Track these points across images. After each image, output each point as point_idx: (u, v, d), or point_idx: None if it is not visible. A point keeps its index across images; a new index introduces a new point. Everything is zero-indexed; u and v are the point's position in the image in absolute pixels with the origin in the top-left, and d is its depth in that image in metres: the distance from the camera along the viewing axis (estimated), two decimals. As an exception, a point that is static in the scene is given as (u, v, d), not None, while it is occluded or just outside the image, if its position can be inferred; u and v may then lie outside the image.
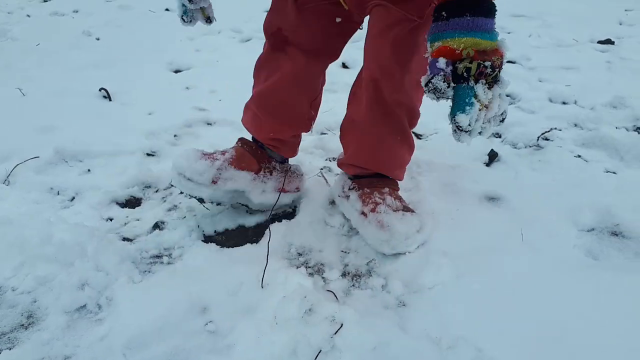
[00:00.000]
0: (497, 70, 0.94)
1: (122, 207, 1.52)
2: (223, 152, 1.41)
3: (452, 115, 0.94)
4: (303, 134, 1.55)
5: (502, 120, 1.00)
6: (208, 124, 2.08)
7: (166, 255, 1.29)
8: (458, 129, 0.94)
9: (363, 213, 1.34)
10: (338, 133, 1.46)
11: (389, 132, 1.34)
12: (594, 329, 1.05)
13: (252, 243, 1.37)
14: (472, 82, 0.92)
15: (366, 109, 1.32)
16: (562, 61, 2.73)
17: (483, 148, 1.80)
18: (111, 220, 1.45)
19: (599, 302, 1.13)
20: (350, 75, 2.53)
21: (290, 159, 1.58)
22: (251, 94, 1.46)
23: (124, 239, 1.37)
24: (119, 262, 1.24)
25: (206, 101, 2.27)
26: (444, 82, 0.92)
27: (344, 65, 2.70)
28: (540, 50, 2.93)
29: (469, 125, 0.93)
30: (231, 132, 1.93)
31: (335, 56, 1.44)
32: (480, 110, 0.93)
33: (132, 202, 1.55)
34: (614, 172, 1.68)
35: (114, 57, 2.79)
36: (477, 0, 0.92)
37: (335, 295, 1.15)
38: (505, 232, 1.38)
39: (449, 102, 0.96)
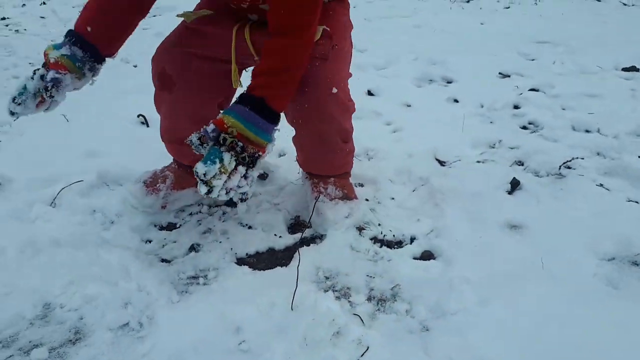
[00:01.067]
0: (248, 156, 1.19)
1: (160, 230, 1.62)
2: (163, 179, 1.66)
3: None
4: None
5: (242, 200, 1.22)
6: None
7: (202, 277, 1.38)
8: (196, 176, 1.15)
9: (312, 199, 1.64)
10: (362, 159, 1.55)
11: (326, 151, 1.57)
12: (612, 355, 1.08)
13: (282, 266, 1.45)
14: (222, 148, 1.16)
15: (305, 133, 1.54)
16: (585, 88, 2.75)
17: (505, 176, 1.84)
18: (150, 242, 1.55)
19: (619, 331, 1.16)
20: (376, 102, 2.63)
21: None
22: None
23: (163, 260, 1.46)
24: (159, 283, 1.33)
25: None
26: (198, 139, 1.17)
27: (370, 93, 2.78)
28: (564, 77, 2.97)
29: (204, 175, 1.13)
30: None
31: (223, 94, 1.57)
32: (221, 172, 1.15)
33: (170, 225, 1.64)
34: (636, 202, 1.71)
35: (150, 84, 2.92)
36: (262, 105, 1.21)
37: (362, 319, 1.21)
38: (527, 259, 1.42)
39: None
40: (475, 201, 1.71)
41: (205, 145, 1.18)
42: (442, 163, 2.04)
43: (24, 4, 5.25)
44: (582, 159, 1.98)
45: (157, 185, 1.64)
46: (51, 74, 1.28)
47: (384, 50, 3.43)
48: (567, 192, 1.77)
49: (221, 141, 1.17)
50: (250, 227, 1.62)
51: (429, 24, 4.25)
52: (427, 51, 3.41)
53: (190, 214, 1.70)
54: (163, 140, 1.68)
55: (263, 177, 1.90)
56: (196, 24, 1.48)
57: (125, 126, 2.36)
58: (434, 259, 1.48)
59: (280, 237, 1.58)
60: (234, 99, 1.30)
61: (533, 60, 3.34)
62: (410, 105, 2.62)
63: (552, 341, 1.13)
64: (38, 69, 1.33)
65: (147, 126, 2.37)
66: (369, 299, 1.31)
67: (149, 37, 4.12)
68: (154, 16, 4.87)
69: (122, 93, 2.80)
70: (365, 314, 1.24)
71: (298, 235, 1.58)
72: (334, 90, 1.39)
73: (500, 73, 3.08)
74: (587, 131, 2.28)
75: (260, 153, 1.22)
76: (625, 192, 1.77)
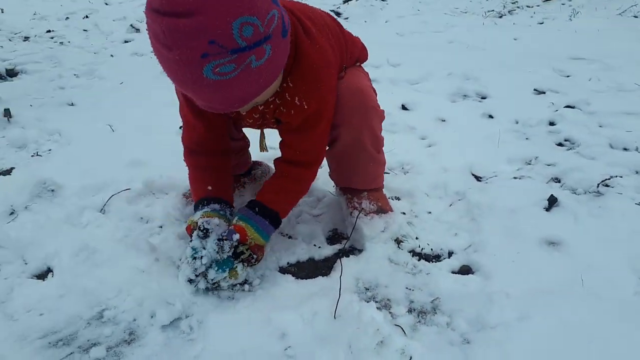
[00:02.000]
0: (256, 261, 1.43)
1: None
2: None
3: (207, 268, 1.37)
4: None
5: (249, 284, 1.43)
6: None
7: (247, 284, 1.43)
8: (205, 278, 1.36)
9: (347, 214, 1.74)
10: (398, 173, 1.59)
11: (359, 160, 1.65)
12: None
13: (322, 275, 1.49)
14: (236, 261, 1.38)
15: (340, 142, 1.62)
16: (622, 106, 2.73)
17: (542, 193, 1.85)
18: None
19: (661, 351, 1.16)
20: (410, 117, 2.66)
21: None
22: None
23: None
24: (207, 289, 1.38)
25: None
26: (218, 241, 1.40)
27: (404, 107, 2.82)
28: (601, 94, 2.95)
29: (212, 280, 1.36)
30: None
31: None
32: (232, 277, 1.37)
33: (213, 233, 1.70)
34: (676, 221, 1.70)
35: (190, 96, 3.03)
36: (277, 218, 1.48)
37: (403, 330, 1.25)
38: (566, 276, 1.43)
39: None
40: (512, 217, 1.73)
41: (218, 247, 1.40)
42: (478, 178, 2.06)
43: (67, 17, 5.47)
44: (621, 177, 1.98)
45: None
46: (203, 223, 1.42)
47: (418, 65, 3.46)
48: (605, 210, 1.77)
49: (237, 252, 1.39)
50: (290, 237, 1.67)
51: (462, 40, 4.28)
52: (461, 66, 3.43)
53: (233, 223, 1.76)
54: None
55: None
56: None
57: (168, 137, 2.44)
58: (472, 273, 1.50)
59: (319, 247, 1.62)
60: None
61: (568, 76, 3.33)
62: (444, 120, 2.65)
63: (592, 358, 1.14)
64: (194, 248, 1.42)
65: (189, 137, 2.46)
66: (410, 310, 1.34)
67: (187, 50, 4.26)
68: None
69: (164, 105, 2.89)
70: (407, 325, 1.27)
71: (337, 246, 1.62)
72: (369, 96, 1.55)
73: (535, 89, 3.09)
74: (626, 149, 2.27)
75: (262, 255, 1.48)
76: (665, 211, 1.76)
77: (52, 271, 1.51)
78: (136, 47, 4.32)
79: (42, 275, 1.50)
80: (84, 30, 5.00)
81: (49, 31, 4.90)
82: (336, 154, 1.65)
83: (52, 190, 1.92)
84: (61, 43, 4.50)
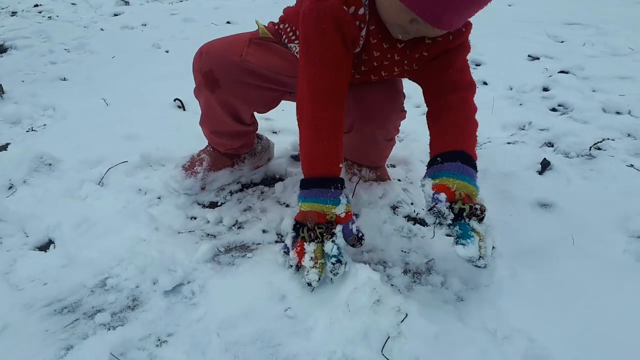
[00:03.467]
0: (483, 213, 1.21)
1: (203, 208, 1.70)
2: (200, 162, 1.74)
3: (457, 244, 1.17)
4: None
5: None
6: (273, 132, 2.25)
7: (246, 250, 1.46)
8: (468, 260, 1.17)
9: (346, 180, 1.73)
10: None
11: (370, 149, 1.65)
12: (642, 327, 1.14)
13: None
14: (466, 220, 1.18)
15: (356, 135, 1.56)
16: (617, 70, 2.74)
17: (535, 157, 1.88)
18: (195, 219, 1.63)
19: (647, 304, 1.21)
20: (405, 85, 2.66)
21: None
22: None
23: (209, 235, 1.55)
24: (207, 255, 1.41)
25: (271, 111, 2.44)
26: (445, 209, 1.16)
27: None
28: (595, 59, 2.96)
29: (471, 257, 1.16)
30: (295, 139, 2.09)
31: (264, 109, 1.65)
32: (480, 240, 1.18)
33: (212, 204, 1.73)
34: (667, 182, 1.73)
35: (183, 69, 2.98)
36: (466, 155, 1.22)
37: (399, 290, 1.28)
38: (557, 236, 1.47)
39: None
40: (506, 181, 1.76)
41: (446, 217, 1.17)
42: (472, 144, 2.07)
43: (55, -9, 5.37)
44: (613, 140, 2.00)
45: (195, 168, 1.72)
46: (352, 228, 1.26)
47: (411, 33, 3.44)
48: (597, 173, 1.80)
49: (459, 212, 1.18)
50: (287, 205, 1.69)
51: (456, 7, 4.24)
52: (455, 34, 3.41)
53: (231, 192, 1.78)
54: (201, 125, 1.72)
55: (298, 158, 1.97)
56: (260, 54, 1.45)
57: (162, 110, 2.45)
58: (466, 235, 1.53)
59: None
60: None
61: (562, 42, 3.32)
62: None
63: (581, 311, 1.19)
64: (322, 239, 1.27)
65: (184, 110, 2.46)
66: (405, 272, 1.38)
67: (178, 22, 4.21)
68: (181, 1, 4.96)
69: (157, 78, 2.89)
70: (402, 285, 1.31)
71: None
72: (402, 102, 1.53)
73: (529, 55, 3.08)
74: (618, 113, 2.28)
75: (484, 208, 1.23)
76: (656, 172, 1.79)
77: (53, 243, 1.53)
78: (126, 20, 4.27)
79: (44, 247, 1.53)
80: (72, 3, 4.92)
81: (36, 5, 4.82)
82: (348, 139, 1.57)
83: (50, 165, 1.93)
84: (50, 17, 4.43)
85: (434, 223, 1.18)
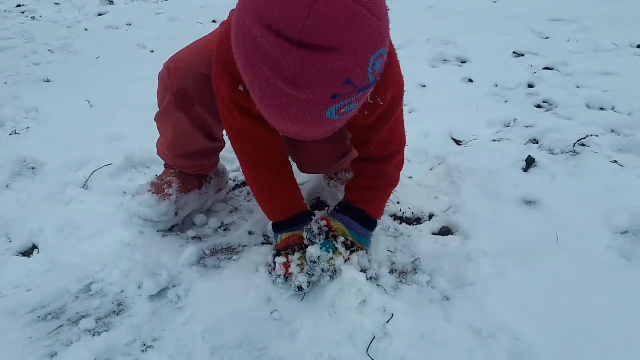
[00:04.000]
0: (355, 249, 1.36)
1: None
2: (169, 184, 1.55)
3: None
4: None
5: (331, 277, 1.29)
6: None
7: (232, 252, 1.45)
8: (308, 258, 1.28)
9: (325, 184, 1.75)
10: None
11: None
12: (625, 322, 1.15)
13: (306, 242, 1.52)
14: (335, 242, 1.33)
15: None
16: (600, 66, 2.76)
17: (520, 154, 1.89)
18: (183, 223, 1.62)
19: (630, 299, 1.22)
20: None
21: None
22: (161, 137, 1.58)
23: (194, 238, 1.54)
24: (193, 258, 1.40)
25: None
26: (317, 229, 1.33)
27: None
28: (579, 55, 2.98)
29: (318, 258, 1.27)
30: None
31: None
32: (338, 257, 1.30)
33: (197, 205, 1.71)
34: (649, 177, 1.75)
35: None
36: (363, 216, 1.38)
37: (385, 290, 1.29)
38: (542, 233, 1.48)
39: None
40: (491, 179, 1.77)
41: (317, 236, 1.33)
42: (458, 142, 2.08)
43: (38, -9, 5.31)
44: (597, 136, 2.02)
45: (165, 191, 1.54)
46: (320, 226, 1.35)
47: (397, 31, 3.43)
48: (581, 169, 1.81)
49: (333, 238, 1.35)
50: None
51: (442, 4, 4.25)
52: (441, 31, 3.42)
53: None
54: (164, 155, 1.60)
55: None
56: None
57: (147, 110, 2.41)
58: (452, 234, 1.54)
59: (303, 215, 1.64)
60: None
61: (547, 38, 3.34)
62: (425, 86, 2.66)
63: (566, 308, 1.20)
64: (304, 249, 1.34)
65: (169, 110, 2.44)
66: (391, 271, 1.38)
67: (163, 21, 4.18)
68: (166, 0, 4.92)
69: (141, 78, 2.87)
70: (389, 285, 1.31)
71: (320, 214, 1.65)
72: None
73: (514, 52, 3.10)
74: (602, 109, 2.30)
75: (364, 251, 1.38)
76: (639, 167, 1.80)
77: (37, 248, 1.52)
78: (111, 19, 4.23)
79: (27, 252, 1.51)
80: (56, 3, 4.86)
81: (19, 5, 4.76)
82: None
83: (33, 168, 1.91)
84: (33, 18, 4.38)
85: (305, 238, 1.33)
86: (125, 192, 1.77)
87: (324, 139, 1.20)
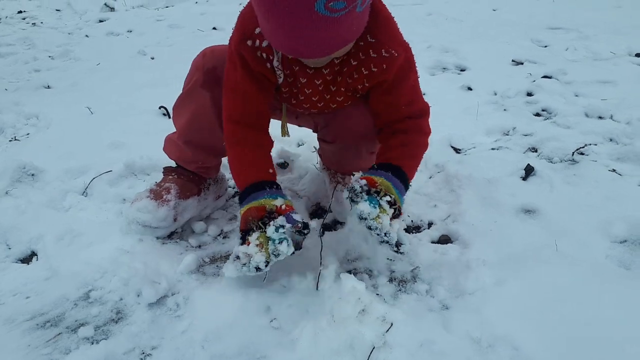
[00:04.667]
0: (396, 208, 1.30)
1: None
2: (167, 190, 1.56)
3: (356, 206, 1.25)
4: None
5: (398, 249, 1.28)
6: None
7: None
8: (359, 216, 1.24)
9: (330, 188, 1.72)
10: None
11: (354, 160, 1.62)
12: (625, 331, 1.15)
13: (305, 249, 1.52)
14: (379, 197, 1.27)
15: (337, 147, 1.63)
16: (598, 75, 2.78)
17: (519, 163, 1.89)
18: (182, 230, 1.62)
19: (630, 307, 1.22)
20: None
21: None
22: (175, 129, 1.61)
23: (193, 247, 1.54)
24: (192, 266, 1.41)
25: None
26: (360, 187, 1.27)
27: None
28: (577, 64, 2.99)
29: (369, 214, 1.23)
30: (280, 146, 2.08)
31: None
32: (385, 215, 1.25)
33: (197, 212, 1.72)
34: (648, 186, 1.76)
35: (168, 76, 3.00)
36: (399, 171, 1.34)
37: (384, 299, 1.29)
38: (541, 242, 1.48)
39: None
40: (490, 187, 1.77)
41: (364, 194, 1.28)
42: (457, 150, 2.09)
43: (39, -3, 5.34)
44: (595, 145, 2.03)
45: (164, 197, 1.55)
46: (295, 217, 1.27)
47: (397, 38, 3.46)
48: (580, 178, 1.81)
49: (374, 193, 1.29)
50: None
51: (441, 12, 4.27)
52: (440, 39, 3.44)
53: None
54: (171, 145, 1.64)
55: (283, 165, 1.97)
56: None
57: (147, 117, 2.44)
58: (452, 242, 1.54)
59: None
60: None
61: (546, 47, 3.36)
62: (424, 94, 2.65)
63: (565, 318, 1.20)
64: (265, 226, 1.26)
65: (169, 117, 2.44)
66: (391, 280, 1.38)
67: (164, 28, 4.19)
68: (167, 7, 4.94)
69: (142, 85, 2.88)
70: (388, 294, 1.31)
71: (320, 221, 1.65)
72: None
73: (513, 60, 3.11)
74: (600, 117, 2.31)
75: (399, 208, 1.32)
76: (637, 176, 1.81)
77: (36, 255, 1.52)
78: (111, 26, 4.25)
79: (26, 259, 1.51)
80: (57, 10, 4.89)
81: (20, 12, 4.78)
82: (330, 149, 1.65)
83: (33, 175, 1.91)
84: (34, 24, 4.40)
85: (347, 197, 1.29)
86: (124, 199, 1.77)
87: (355, 107, 1.44)
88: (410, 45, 1.37)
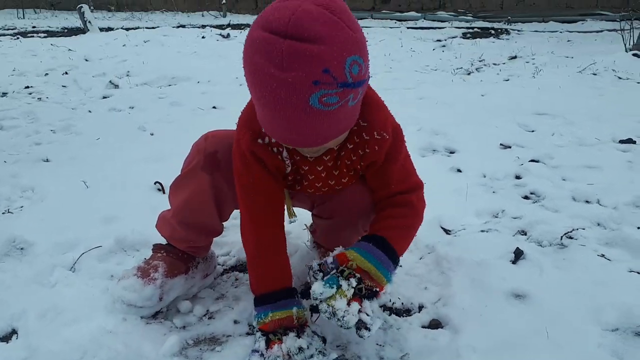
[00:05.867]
0: (365, 288, 1.28)
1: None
2: (155, 268, 1.57)
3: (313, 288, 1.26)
4: None
5: (367, 329, 1.26)
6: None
7: (215, 343, 1.42)
8: (312, 296, 1.26)
9: None
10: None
11: (350, 236, 1.61)
12: None
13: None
14: (340, 278, 1.27)
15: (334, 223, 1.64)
16: (584, 160, 2.86)
17: (509, 246, 1.91)
18: (167, 309, 1.59)
19: (623, 403, 1.18)
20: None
21: None
22: (170, 208, 1.64)
23: (178, 327, 1.50)
24: (175, 348, 1.37)
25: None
26: (318, 265, 1.31)
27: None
28: (563, 148, 3.08)
29: (321, 294, 1.24)
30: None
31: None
32: (340, 297, 1.24)
33: (184, 291, 1.69)
34: (637, 272, 1.76)
35: (166, 152, 3.05)
36: (384, 242, 1.34)
37: (372, 387, 1.25)
38: (532, 329, 1.46)
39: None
40: (480, 270, 1.77)
41: (321, 273, 1.30)
42: (447, 231, 2.11)
43: (46, 73, 5.54)
44: (583, 229, 2.05)
45: (151, 275, 1.55)
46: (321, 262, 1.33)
47: (390, 120, 3.58)
48: (569, 262, 1.82)
49: (339, 273, 1.29)
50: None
51: (432, 96, 4.45)
52: (430, 122, 3.56)
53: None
54: (164, 223, 1.66)
55: None
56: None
57: (142, 193, 2.46)
58: (442, 327, 1.52)
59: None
60: None
61: (532, 131, 3.48)
62: (415, 174, 2.72)
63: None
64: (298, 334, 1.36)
65: (164, 193, 2.47)
66: (379, 367, 1.34)
67: (165, 106, 4.33)
68: (169, 86, 5.13)
69: (139, 160, 2.93)
70: (376, 382, 1.27)
71: (309, 302, 1.63)
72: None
73: (501, 144, 3.21)
74: (587, 202, 2.36)
75: (377, 289, 1.31)
76: (626, 262, 1.82)
77: (16, 333, 1.48)
78: (114, 102, 4.38)
79: (6, 338, 1.48)
80: (63, 86, 5.06)
81: (27, 87, 4.94)
82: (325, 225, 1.68)
83: (22, 249, 1.91)
84: (39, 99, 4.54)
85: (307, 274, 1.31)
86: (112, 276, 1.75)
87: (354, 185, 1.48)
88: (402, 127, 1.43)
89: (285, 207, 1.63)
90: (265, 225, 1.43)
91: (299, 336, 1.34)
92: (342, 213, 1.57)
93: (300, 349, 1.30)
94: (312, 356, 1.30)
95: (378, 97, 1.37)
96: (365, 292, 1.28)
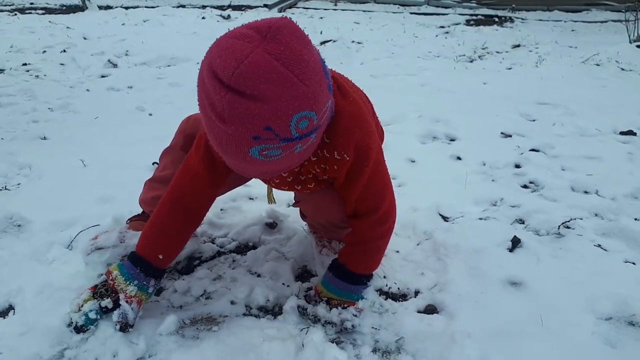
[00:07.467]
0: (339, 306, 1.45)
1: (173, 274, 1.67)
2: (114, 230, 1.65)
3: None
4: None
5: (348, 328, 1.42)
6: (250, 198, 2.26)
7: (212, 322, 1.42)
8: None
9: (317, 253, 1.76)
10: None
11: (336, 233, 1.67)
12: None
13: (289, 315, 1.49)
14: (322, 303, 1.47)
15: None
16: (584, 150, 2.85)
17: (506, 234, 1.91)
18: (164, 288, 1.60)
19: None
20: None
21: None
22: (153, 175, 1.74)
23: (175, 307, 1.51)
24: (172, 327, 1.37)
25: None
26: (304, 297, 1.53)
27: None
28: (564, 138, 3.07)
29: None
30: (269, 207, 2.09)
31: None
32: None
33: (183, 270, 1.70)
34: (632, 263, 1.77)
35: (164, 132, 2.98)
36: (344, 271, 1.46)
37: (367, 370, 1.26)
38: (527, 316, 1.47)
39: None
40: (477, 257, 1.77)
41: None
42: (445, 218, 2.11)
43: (44, 51, 5.48)
44: (581, 219, 2.05)
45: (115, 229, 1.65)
46: (125, 312, 1.34)
47: (390, 107, 3.55)
48: (566, 252, 1.82)
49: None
50: (259, 275, 1.68)
51: (434, 83, 4.42)
52: (432, 109, 3.54)
53: (204, 261, 1.76)
54: (148, 182, 1.77)
55: (272, 226, 1.97)
56: None
57: (140, 173, 2.44)
58: (437, 312, 1.53)
59: (287, 286, 1.63)
60: None
61: (534, 121, 3.46)
62: (414, 161, 2.72)
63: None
64: (99, 297, 1.38)
65: (162, 173, 2.46)
66: (374, 350, 1.35)
67: (164, 86, 4.30)
68: (169, 66, 5.09)
69: (138, 141, 2.91)
70: (371, 365, 1.28)
71: (305, 285, 1.63)
72: None
73: (502, 132, 3.20)
74: (586, 192, 2.36)
75: (347, 305, 1.45)
76: (623, 253, 1.83)
77: (13, 309, 1.49)
78: (113, 81, 4.34)
79: (3, 313, 1.48)
80: (61, 64, 5.00)
81: (25, 64, 4.89)
82: (308, 220, 1.75)
83: (19, 226, 1.91)
84: (37, 76, 4.49)
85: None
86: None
87: (321, 191, 1.46)
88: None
89: (267, 194, 1.74)
90: (179, 202, 1.42)
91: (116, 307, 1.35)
92: (315, 217, 1.64)
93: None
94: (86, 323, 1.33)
95: (355, 108, 1.27)
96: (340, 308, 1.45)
